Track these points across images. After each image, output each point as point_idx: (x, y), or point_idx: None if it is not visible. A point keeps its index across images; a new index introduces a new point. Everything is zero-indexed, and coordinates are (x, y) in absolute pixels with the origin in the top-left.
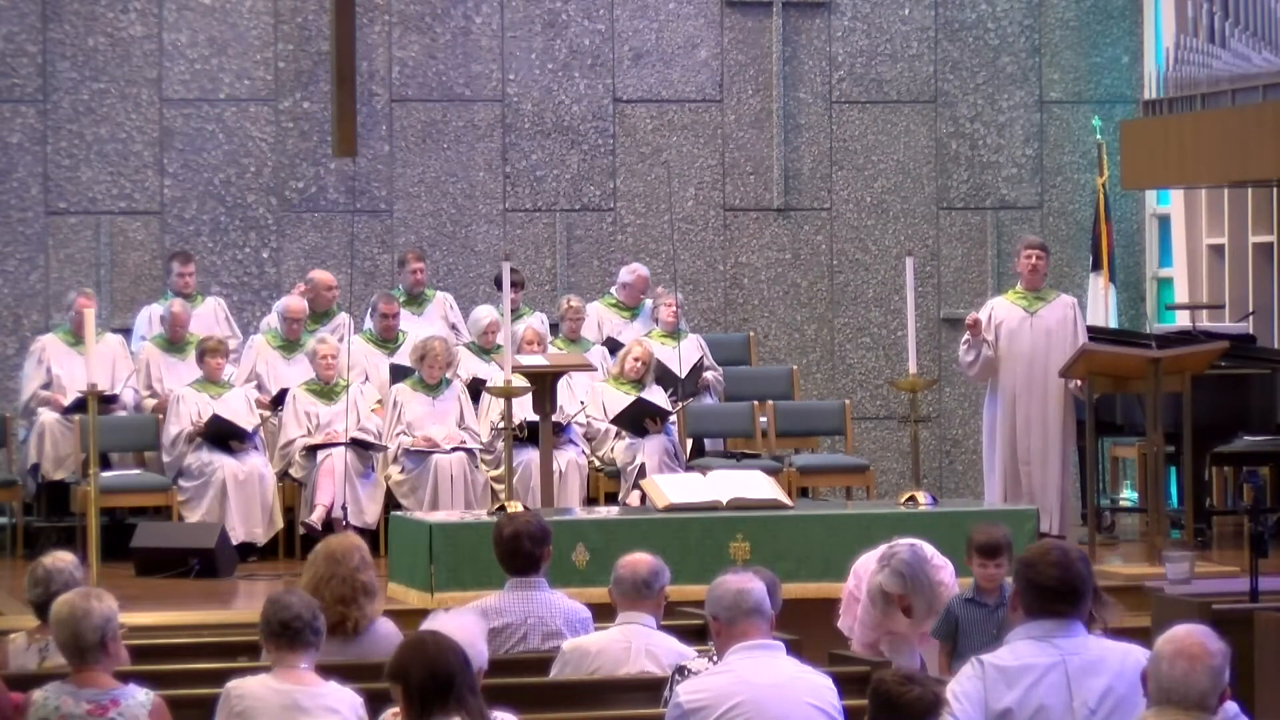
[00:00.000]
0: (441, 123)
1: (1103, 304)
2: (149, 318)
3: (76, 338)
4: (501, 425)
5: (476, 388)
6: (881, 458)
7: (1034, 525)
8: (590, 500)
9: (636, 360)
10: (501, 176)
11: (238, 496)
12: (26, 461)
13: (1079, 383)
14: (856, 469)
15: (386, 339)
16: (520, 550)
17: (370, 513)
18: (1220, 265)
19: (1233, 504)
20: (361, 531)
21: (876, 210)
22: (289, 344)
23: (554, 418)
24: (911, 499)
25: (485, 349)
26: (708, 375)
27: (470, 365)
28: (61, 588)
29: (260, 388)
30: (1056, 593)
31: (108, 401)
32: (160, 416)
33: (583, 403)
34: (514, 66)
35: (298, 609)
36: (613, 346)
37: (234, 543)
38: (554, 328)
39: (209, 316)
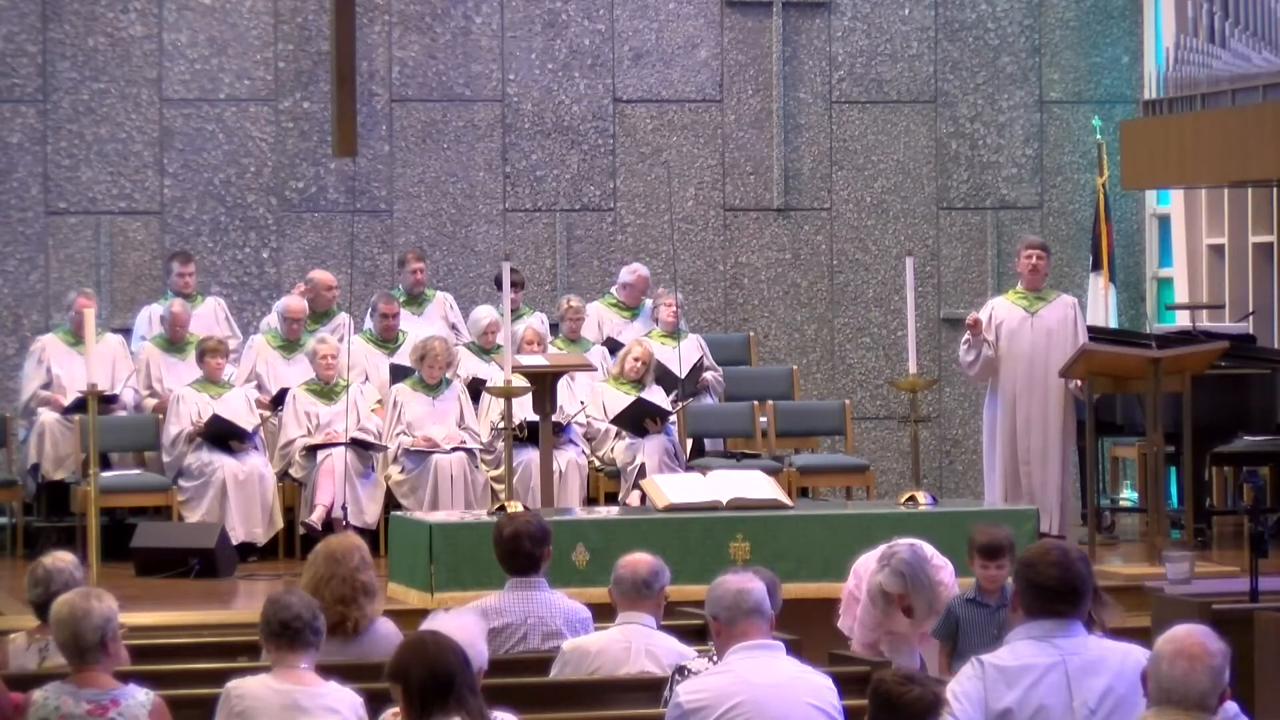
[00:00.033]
0: (441, 123)
1: (1103, 304)
2: (149, 318)
3: (76, 338)
4: (501, 425)
5: (476, 388)
6: (881, 458)
7: (1034, 525)
8: (590, 500)
9: (636, 360)
10: (501, 176)
11: (238, 496)
12: (26, 461)
13: (1079, 383)
14: (856, 469)
15: (386, 339)
16: (520, 550)
17: (370, 513)
18: (1220, 265)
19: (1233, 504)
20: (361, 531)
21: (876, 210)
22: (289, 344)
23: (554, 418)
24: (911, 499)
25: (485, 349)
26: (707, 375)
27: (470, 365)
28: (61, 588)
29: (260, 388)
30: (1056, 593)
31: (108, 401)
32: (160, 416)
33: (583, 403)
34: (514, 66)
35: (298, 609)
36: (613, 346)
37: (234, 543)
38: (554, 328)
39: (209, 316)
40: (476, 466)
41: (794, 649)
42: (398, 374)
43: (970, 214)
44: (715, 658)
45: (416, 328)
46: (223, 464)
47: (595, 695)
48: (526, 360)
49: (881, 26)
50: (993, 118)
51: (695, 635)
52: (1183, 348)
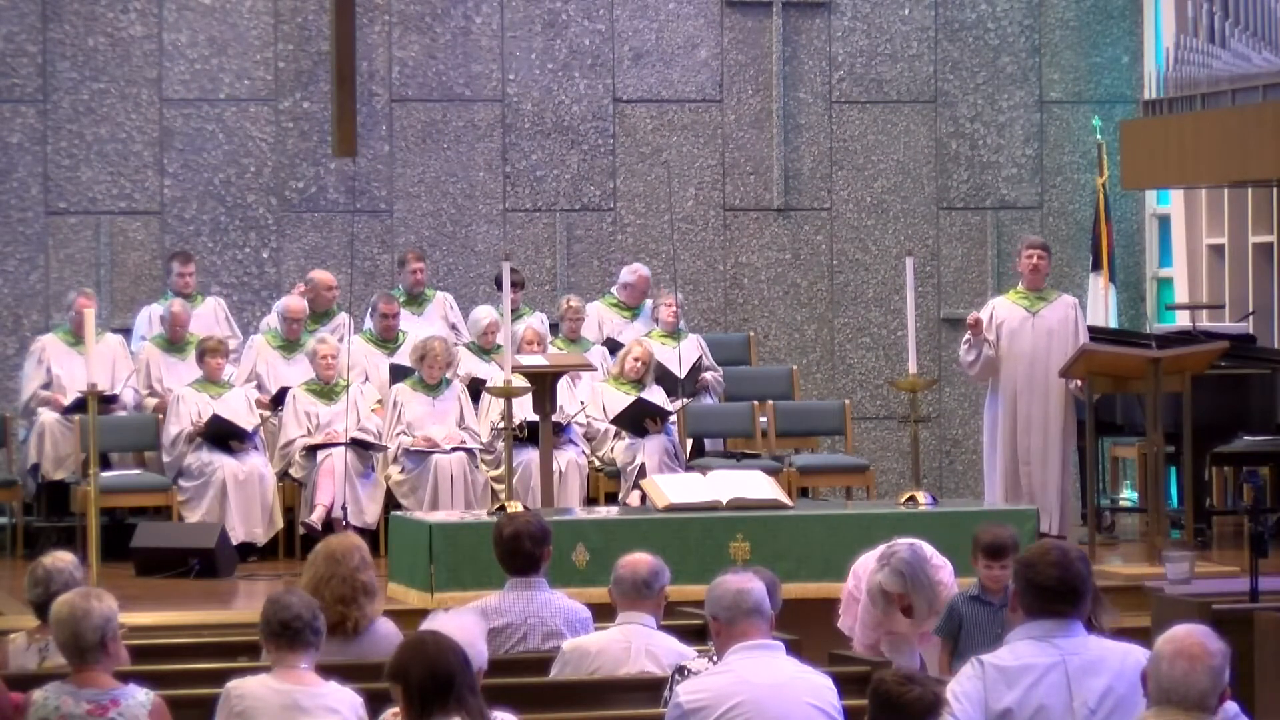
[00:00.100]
0: (441, 123)
1: (1103, 304)
2: (149, 318)
3: (76, 338)
4: (501, 425)
5: (476, 388)
6: (881, 458)
7: (1034, 525)
8: (590, 500)
9: (636, 360)
10: (501, 176)
11: (238, 496)
12: (26, 461)
13: (1079, 383)
14: (856, 469)
15: (386, 339)
16: (520, 550)
17: (370, 513)
18: (1220, 265)
19: (1233, 504)
20: (361, 531)
21: (876, 210)
22: (289, 344)
23: (554, 418)
24: (911, 499)
25: (485, 349)
26: (707, 375)
27: (470, 365)
28: (61, 588)
29: (260, 388)
30: (1056, 593)
31: (108, 401)
32: (160, 416)
33: (583, 403)
34: (514, 66)
35: (298, 609)
36: (613, 346)
37: (234, 543)
38: (554, 328)
39: (209, 316)
40: (476, 466)
41: (794, 649)
42: (398, 374)
43: (970, 214)
44: (715, 658)
45: (416, 328)
46: (223, 464)
47: (595, 695)
48: (526, 360)
49: (881, 26)
50: (993, 118)
51: (695, 635)
52: (1183, 348)
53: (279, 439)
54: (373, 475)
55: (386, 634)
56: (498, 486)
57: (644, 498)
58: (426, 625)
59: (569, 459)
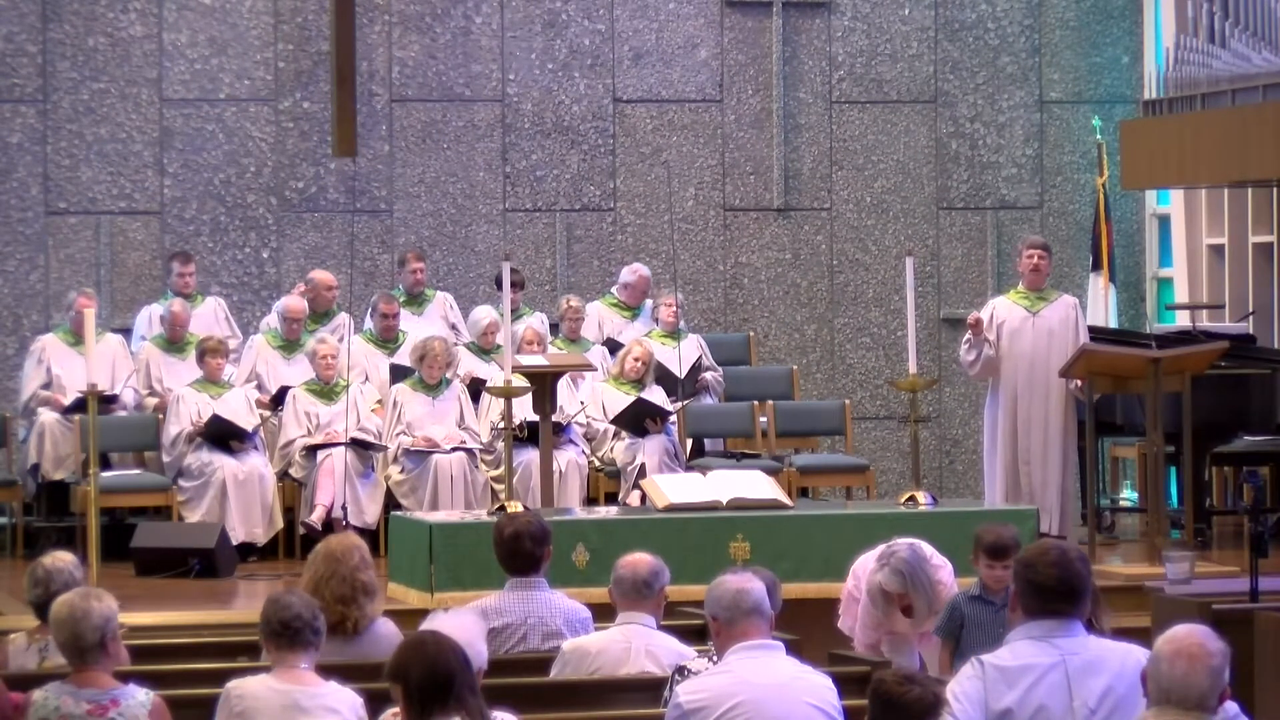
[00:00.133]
0: (441, 123)
1: (1103, 304)
2: (149, 318)
3: (76, 338)
4: (501, 425)
5: (476, 388)
6: (881, 458)
7: (1034, 525)
8: (590, 500)
9: (636, 360)
10: (501, 176)
11: (238, 496)
12: (26, 461)
13: (1079, 383)
14: (856, 469)
15: (386, 339)
16: (520, 550)
17: (370, 513)
18: (1220, 265)
19: (1233, 504)
20: (361, 531)
21: (876, 210)
22: (289, 344)
23: (554, 418)
24: (911, 499)
25: (485, 349)
26: (707, 375)
27: (470, 365)
28: (61, 588)
29: (260, 388)
30: (1056, 592)
31: (108, 401)
32: (160, 416)
33: (583, 403)
34: (514, 66)
35: (298, 609)
36: (613, 346)
37: (234, 543)
38: (554, 328)
39: (209, 316)
40: (476, 466)
41: (794, 649)
42: (398, 374)
43: (970, 214)
44: (715, 658)
45: (416, 328)
46: (223, 464)
47: (595, 695)
48: (526, 360)
49: (881, 26)
50: (993, 118)
51: (695, 635)
52: (1183, 348)
53: (279, 439)
54: (373, 475)
55: (386, 634)
56: (498, 486)
57: (644, 498)
58: (426, 625)
59: (569, 459)
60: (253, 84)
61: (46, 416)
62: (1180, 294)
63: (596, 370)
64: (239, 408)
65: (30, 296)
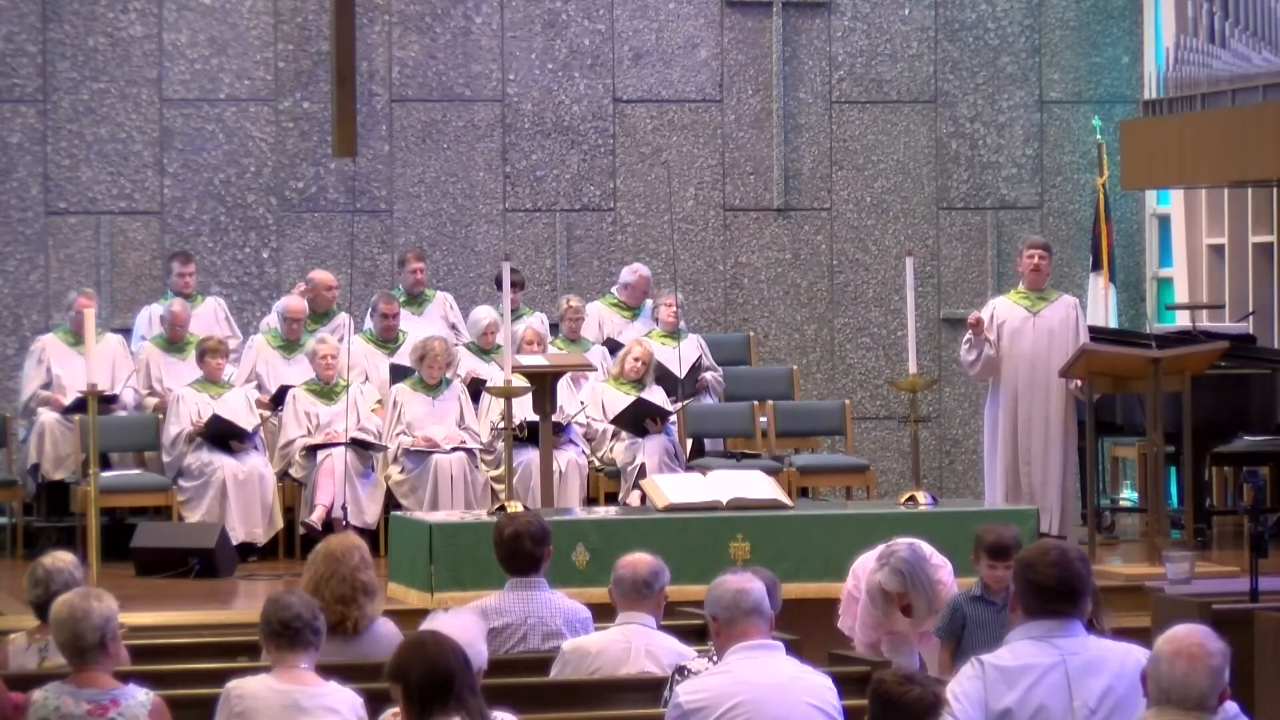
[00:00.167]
0: (441, 123)
1: (1103, 304)
2: (149, 318)
3: (76, 338)
4: (501, 425)
5: (476, 388)
6: (881, 458)
7: (1034, 525)
8: (590, 500)
9: (636, 360)
10: (501, 176)
11: (238, 496)
12: (26, 461)
13: (1079, 383)
14: (856, 469)
15: (386, 339)
16: (520, 550)
17: (370, 513)
18: (1220, 265)
19: (1233, 504)
20: (361, 531)
21: (876, 210)
22: (289, 344)
23: (554, 418)
24: (911, 499)
25: (485, 349)
26: (706, 375)
27: (470, 365)
28: (61, 588)
29: (260, 388)
30: (1055, 592)
31: (108, 401)
32: (160, 416)
33: (583, 403)
34: (514, 66)
35: (298, 609)
36: (613, 346)
37: (234, 543)
38: (554, 328)
39: (209, 316)
40: (476, 466)
41: (794, 649)
42: (398, 374)
43: (970, 214)
44: (715, 658)
45: (416, 328)
46: (223, 464)
47: (595, 695)
48: (526, 360)
49: (881, 26)
50: (993, 118)
51: (695, 635)
52: (1183, 348)
53: (279, 439)
54: (373, 475)
55: (386, 634)
56: (498, 486)
57: (644, 498)
58: (426, 625)
59: (569, 459)
60: (253, 84)
61: (46, 416)
62: (1180, 294)
63: (596, 370)
64: (239, 408)
65: (30, 296)
